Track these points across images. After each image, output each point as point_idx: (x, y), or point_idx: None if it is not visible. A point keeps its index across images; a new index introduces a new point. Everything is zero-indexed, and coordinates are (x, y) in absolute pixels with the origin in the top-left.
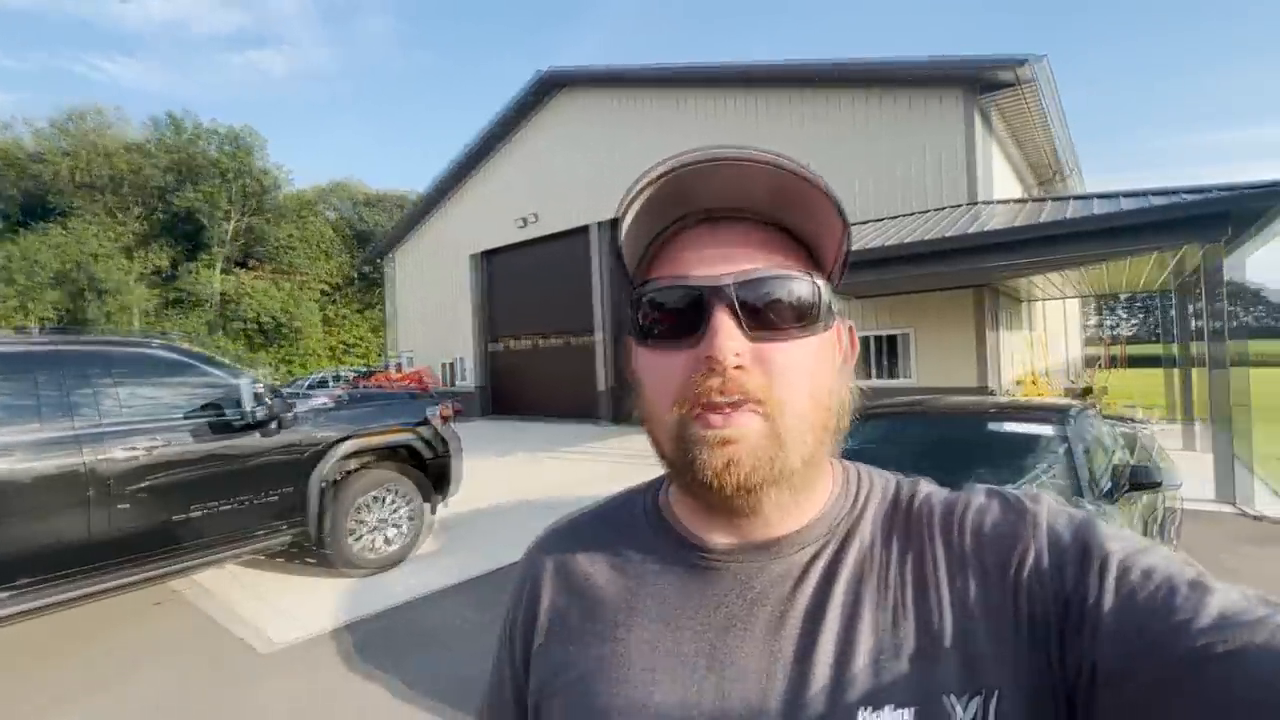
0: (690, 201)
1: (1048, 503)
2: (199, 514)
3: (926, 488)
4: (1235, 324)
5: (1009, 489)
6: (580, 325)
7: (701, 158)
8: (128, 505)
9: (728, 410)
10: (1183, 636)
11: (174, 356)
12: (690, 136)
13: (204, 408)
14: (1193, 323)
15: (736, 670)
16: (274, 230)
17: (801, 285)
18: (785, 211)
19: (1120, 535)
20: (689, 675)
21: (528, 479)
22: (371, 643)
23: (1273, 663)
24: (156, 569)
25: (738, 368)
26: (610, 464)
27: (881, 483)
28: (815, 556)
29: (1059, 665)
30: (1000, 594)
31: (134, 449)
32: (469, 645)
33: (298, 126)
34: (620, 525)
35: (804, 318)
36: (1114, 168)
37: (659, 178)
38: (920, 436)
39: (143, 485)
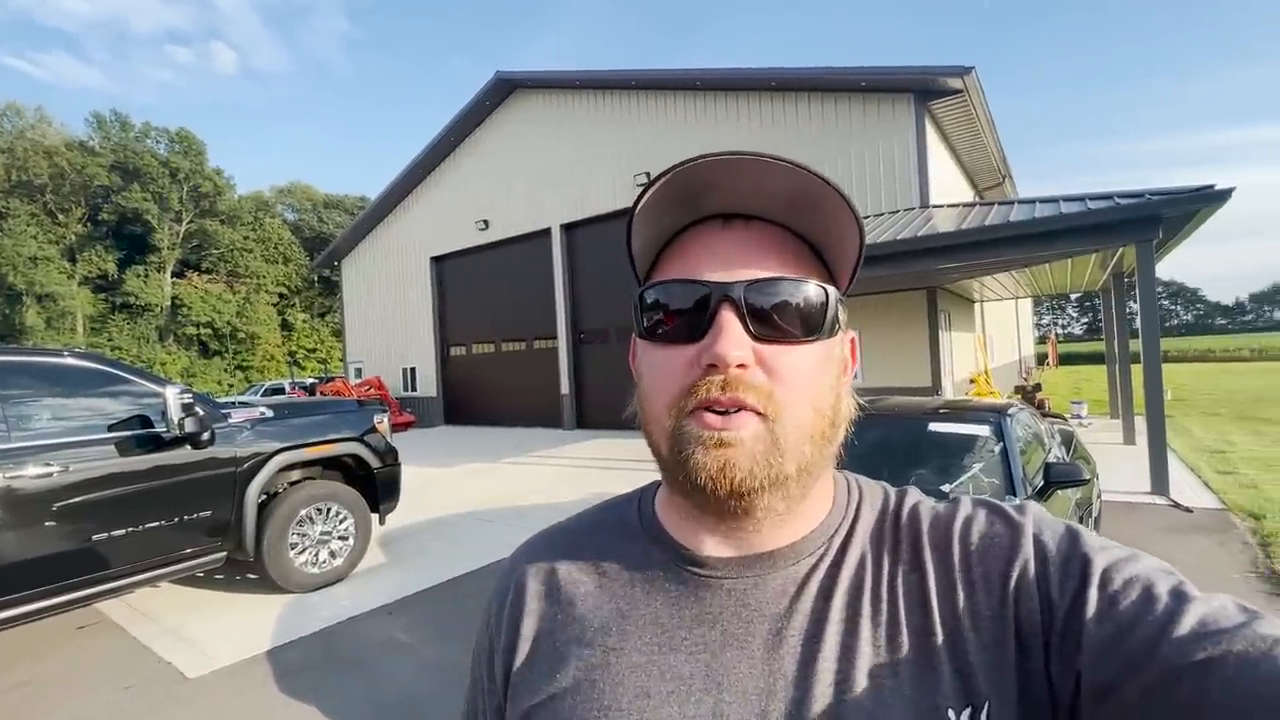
0: (706, 203)
1: (1035, 513)
2: (123, 533)
3: (915, 498)
4: (1176, 321)
5: (1002, 501)
6: (542, 330)
7: (722, 154)
8: (44, 526)
9: (727, 412)
10: (1162, 646)
11: (91, 367)
12: (648, 139)
13: (127, 421)
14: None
15: (735, 690)
16: (227, 233)
17: (811, 291)
18: (801, 216)
19: (1105, 545)
20: (685, 696)
21: (484, 487)
22: (301, 666)
23: (1250, 670)
24: (79, 593)
25: (740, 366)
26: (572, 469)
27: (872, 493)
28: (812, 570)
29: (1048, 676)
30: (993, 606)
31: (48, 466)
32: (405, 669)
33: (241, 129)
34: (610, 535)
35: (810, 324)
36: (1027, 176)
37: (674, 172)
38: (861, 438)
39: (61, 505)
